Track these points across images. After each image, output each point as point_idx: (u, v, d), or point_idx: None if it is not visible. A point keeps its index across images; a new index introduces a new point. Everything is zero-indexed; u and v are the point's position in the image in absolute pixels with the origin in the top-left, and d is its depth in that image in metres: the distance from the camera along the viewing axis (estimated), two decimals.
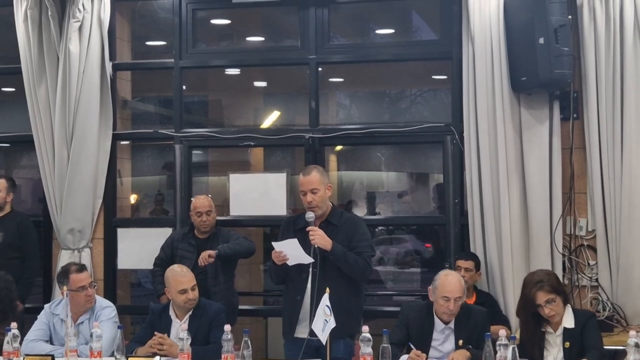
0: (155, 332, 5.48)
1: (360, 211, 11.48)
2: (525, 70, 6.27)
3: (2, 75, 8.27)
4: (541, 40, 6.09)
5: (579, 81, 6.43)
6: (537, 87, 6.30)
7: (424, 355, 5.07)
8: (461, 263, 6.32)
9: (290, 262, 5.47)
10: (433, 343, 5.29)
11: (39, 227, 7.39)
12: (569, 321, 5.24)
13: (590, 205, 6.46)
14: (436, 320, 5.33)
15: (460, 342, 5.23)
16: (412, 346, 5.15)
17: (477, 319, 5.32)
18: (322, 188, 5.55)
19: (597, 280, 6.42)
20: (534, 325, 5.25)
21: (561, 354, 5.15)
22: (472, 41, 6.53)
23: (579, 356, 5.01)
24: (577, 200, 6.50)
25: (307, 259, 5.40)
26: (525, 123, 6.47)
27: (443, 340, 5.29)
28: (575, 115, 6.48)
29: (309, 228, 5.41)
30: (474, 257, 6.40)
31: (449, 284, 5.26)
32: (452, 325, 5.30)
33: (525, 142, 6.47)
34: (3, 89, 9.13)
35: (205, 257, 6.44)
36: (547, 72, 6.11)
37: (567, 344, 5.14)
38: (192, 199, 6.87)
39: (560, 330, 5.21)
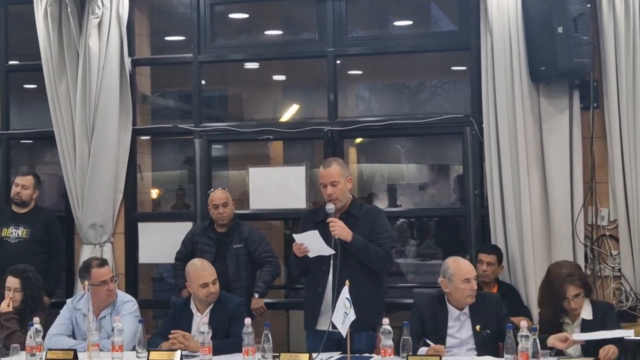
0: (172, 331, 5.50)
1: (381, 204, 11.47)
2: (544, 59, 6.23)
3: (24, 73, 8.33)
4: (560, 30, 6.06)
5: (598, 70, 6.39)
6: (556, 77, 6.26)
7: (443, 347, 5.07)
8: (483, 257, 6.29)
9: (311, 254, 5.48)
10: (449, 331, 5.29)
11: (61, 223, 7.44)
12: (587, 313, 5.24)
13: (611, 195, 6.42)
14: (450, 308, 5.33)
15: (478, 327, 5.23)
16: (428, 342, 5.15)
17: (491, 303, 5.33)
18: (342, 180, 5.55)
19: (619, 270, 6.38)
20: (555, 317, 5.24)
21: (578, 345, 5.13)
22: (491, 31, 6.50)
23: (597, 348, 4.99)
24: (598, 190, 6.45)
25: (328, 251, 5.40)
26: (545, 113, 6.44)
27: (459, 327, 5.30)
28: (595, 105, 6.43)
29: (329, 219, 5.42)
30: (496, 251, 6.36)
31: (463, 266, 5.31)
32: (466, 311, 5.30)
33: (545, 132, 6.44)
34: (25, 86, 9.18)
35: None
36: (567, 61, 6.08)
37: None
38: (209, 192, 6.89)
39: (578, 322, 5.21)
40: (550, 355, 4.83)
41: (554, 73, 6.20)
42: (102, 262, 5.96)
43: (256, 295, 6.58)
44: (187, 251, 6.73)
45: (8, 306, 5.98)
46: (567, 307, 5.19)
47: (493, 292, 5.74)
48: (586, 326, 5.15)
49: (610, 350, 4.89)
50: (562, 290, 5.19)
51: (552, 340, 5.01)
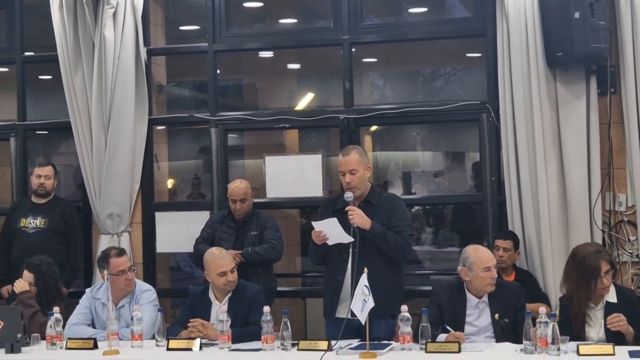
0: (191, 320, 5.51)
1: (396, 191, 11.43)
2: (560, 45, 6.20)
3: (40, 64, 8.34)
4: (577, 15, 6.03)
5: (615, 55, 6.35)
6: (573, 62, 6.23)
7: (462, 334, 5.08)
8: (500, 242, 6.29)
9: (330, 242, 5.48)
10: (467, 319, 5.30)
11: (79, 213, 7.47)
12: (611, 296, 5.22)
13: (629, 180, 6.39)
14: (469, 296, 5.33)
15: (497, 316, 5.24)
16: (448, 328, 5.15)
17: (510, 292, 5.33)
18: (361, 169, 5.54)
19: (637, 256, 6.37)
20: (587, 298, 5.20)
21: (602, 330, 5.13)
22: (507, 17, 6.47)
23: (620, 334, 4.97)
24: (616, 176, 6.43)
25: (347, 238, 5.40)
26: (562, 99, 6.41)
27: (478, 315, 5.30)
28: (612, 90, 6.40)
29: (347, 208, 5.42)
30: (512, 237, 6.36)
31: (483, 254, 5.31)
32: (485, 299, 5.30)
33: (562, 118, 6.41)
34: (40, 77, 9.21)
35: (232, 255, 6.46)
36: (584, 46, 6.06)
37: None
38: (228, 184, 6.89)
39: (602, 305, 5.19)
40: (569, 341, 4.81)
41: (571, 59, 6.18)
42: (120, 252, 5.98)
43: (240, 251, 6.50)
44: (208, 236, 6.73)
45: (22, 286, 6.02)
46: (599, 285, 5.14)
47: (512, 281, 5.73)
48: (610, 309, 5.13)
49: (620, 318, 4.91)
50: (595, 267, 5.14)
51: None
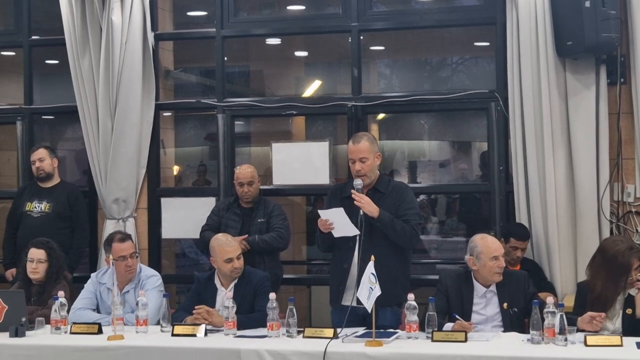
0: (197, 306, 5.50)
1: (402, 180, 11.42)
2: (570, 34, 6.16)
3: (46, 48, 8.32)
4: (587, 4, 6.00)
5: (626, 45, 6.32)
6: (583, 52, 6.19)
7: (469, 324, 5.06)
8: (519, 244, 6.20)
9: (335, 234, 5.46)
10: (474, 307, 5.29)
11: (85, 198, 7.46)
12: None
13: (638, 171, 6.36)
14: (476, 285, 5.32)
15: (505, 305, 5.23)
16: (456, 316, 5.14)
17: (518, 281, 5.32)
18: (372, 157, 5.51)
19: None
20: (616, 293, 5.15)
21: (620, 320, 5.10)
22: (516, 6, 6.43)
23: (638, 324, 4.94)
24: (624, 166, 6.40)
25: (353, 231, 5.37)
26: (571, 88, 6.38)
27: (485, 304, 5.29)
28: (622, 80, 6.37)
29: (355, 195, 5.39)
30: (527, 235, 6.31)
31: (492, 244, 5.28)
32: (493, 288, 5.29)
33: (571, 107, 6.38)
34: (47, 61, 9.19)
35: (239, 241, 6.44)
36: (594, 36, 6.02)
37: (629, 311, 5.08)
38: (235, 169, 6.87)
39: (622, 296, 5.14)
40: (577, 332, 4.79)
41: (581, 48, 6.14)
42: (124, 237, 5.97)
43: (248, 238, 6.47)
44: (215, 223, 6.71)
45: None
46: (630, 282, 5.12)
47: (519, 270, 5.71)
48: (630, 301, 5.09)
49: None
50: (628, 265, 5.09)
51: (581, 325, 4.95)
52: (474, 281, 5.32)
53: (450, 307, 5.29)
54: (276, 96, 9.68)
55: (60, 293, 5.46)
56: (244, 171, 6.67)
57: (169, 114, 8.06)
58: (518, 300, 5.22)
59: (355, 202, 5.35)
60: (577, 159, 6.36)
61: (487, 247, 5.24)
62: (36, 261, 6.02)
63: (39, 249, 6.06)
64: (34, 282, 6.04)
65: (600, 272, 5.22)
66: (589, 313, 4.92)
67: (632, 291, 5.10)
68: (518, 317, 5.21)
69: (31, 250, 6.06)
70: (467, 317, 5.20)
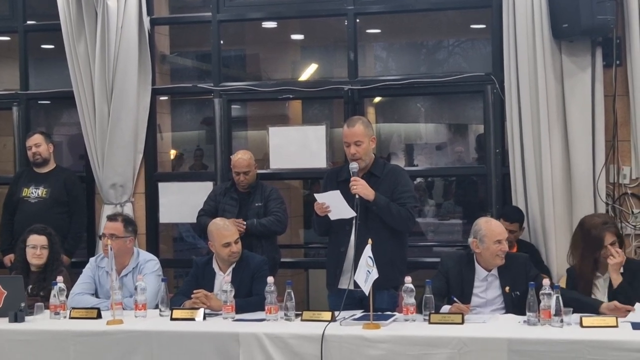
0: (195, 290, 5.51)
1: (399, 163, 11.43)
2: (566, 16, 6.16)
3: (42, 32, 8.28)
4: None
5: (621, 27, 6.32)
6: (578, 34, 6.20)
7: (466, 307, 5.08)
8: (506, 225, 6.21)
9: (332, 216, 5.46)
10: (475, 290, 5.31)
11: (82, 183, 7.46)
12: None
13: (633, 153, 6.38)
14: (478, 268, 5.34)
15: (507, 288, 5.25)
16: (454, 299, 5.16)
17: (519, 264, 5.34)
18: (366, 140, 5.52)
19: None
20: (592, 269, 5.23)
21: (606, 298, 5.14)
22: None
23: (629, 301, 4.96)
24: (620, 148, 6.41)
25: (350, 213, 5.37)
26: (567, 70, 6.38)
27: (486, 287, 5.31)
28: (618, 62, 6.37)
29: (351, 178, 5.40)
30: (519, 218, 6.31)
31: (495, 227, 5.32)
32: (495, 272, 5.31)
33: (566, 89, 6.39)
34: (43, 46, 9.17)
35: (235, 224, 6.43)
36: (589, 18, 6.02)
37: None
38: (231, 156, 6.86)
39: (607, 275, 5.19)
40: (573, 313, 4.82)
41: (577, 30, 6.14)
42: (113, 217, 6.04)
43: (246, 222, 6.47)
44: (211, 208, 6.71)
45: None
46: (604, 256, 5.17)
47: (520, 253, 5.73)
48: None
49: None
50: (599, 239, 5.18)
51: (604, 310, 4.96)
52: (476, 264, 5.34)
53: (450, 289, 5.31)
54: (272, 80, 9.66)
55: (59, 278, 5.48)
56: (240, 159, 6.65)
57: (165, 98, 8.05)
58: (520, 283, 5.22)
59: (350, 185, 5.36)
60: (573, 141, 6.37)
61: (491, 230, 5.26)
62: (40, 247, 6.04)
63: (41, 235, 6.08)
64: (36, 268, 6.06)
65: (578, 246, 5.34)
66: (614, 303, 4.93)
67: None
68: (520, 300, 5.21)
69: (32, 237, 6.08)
70: (467, 299, 5.23)
